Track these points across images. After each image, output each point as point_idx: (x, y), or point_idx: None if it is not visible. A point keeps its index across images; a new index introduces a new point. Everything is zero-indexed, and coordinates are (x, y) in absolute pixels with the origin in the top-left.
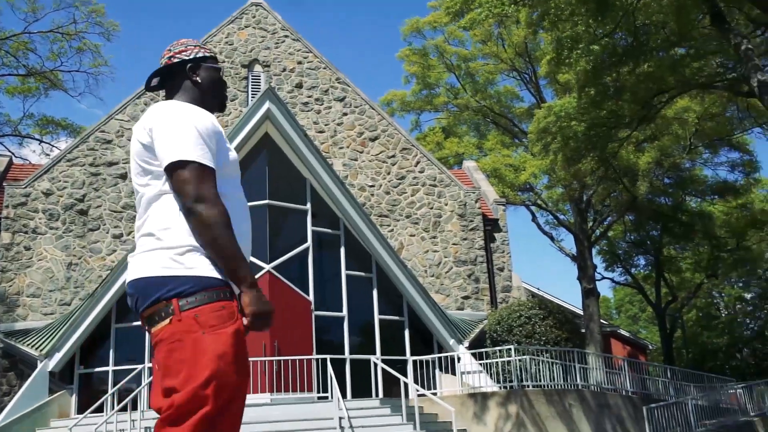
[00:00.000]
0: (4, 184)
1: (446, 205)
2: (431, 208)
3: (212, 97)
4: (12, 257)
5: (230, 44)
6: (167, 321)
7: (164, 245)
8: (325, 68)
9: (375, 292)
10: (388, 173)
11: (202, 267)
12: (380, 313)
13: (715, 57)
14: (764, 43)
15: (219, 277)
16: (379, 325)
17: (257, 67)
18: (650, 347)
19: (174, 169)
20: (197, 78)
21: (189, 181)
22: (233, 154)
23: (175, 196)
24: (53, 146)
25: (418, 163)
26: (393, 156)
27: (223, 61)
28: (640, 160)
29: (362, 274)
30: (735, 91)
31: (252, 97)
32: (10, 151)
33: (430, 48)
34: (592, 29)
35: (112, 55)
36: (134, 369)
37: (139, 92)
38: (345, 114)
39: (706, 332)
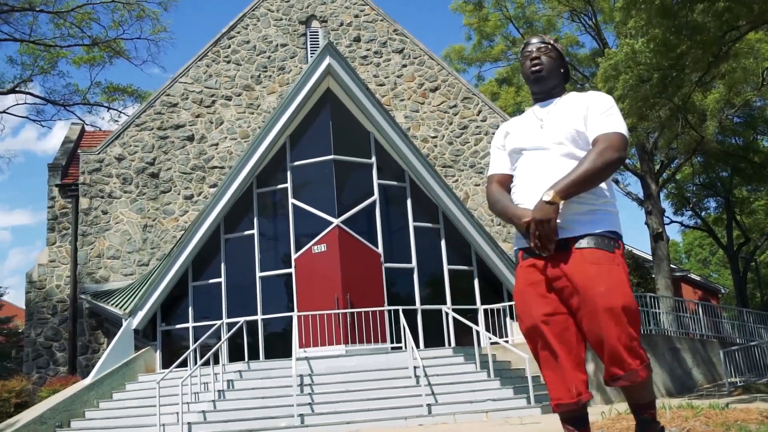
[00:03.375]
0: (78, 151)
1: None
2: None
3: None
4: (91, 222)
5: (286, 1)
6: None
7: None
8: (382, 20)
9: (443, 243)
10: (450, 123)
11: None
12: (449, 263)
13: None
14: None
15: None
16: (449, 275)
17: (314, 23)
18: (722, 291)
19: None
20: None
21: None
22: (509, 141)
23: None
24: (121, 112)
25: (480, 111)
26: (454, 106)
27: (280, 19)
28: (708, 98)
29: (429, 225)
30: None
31: (311, 54)
32: (81, 119)
33: None
34: None
35: (171, 20)
36: (213, 325)
37: (200, 54)
38: (404, 66)
39: None
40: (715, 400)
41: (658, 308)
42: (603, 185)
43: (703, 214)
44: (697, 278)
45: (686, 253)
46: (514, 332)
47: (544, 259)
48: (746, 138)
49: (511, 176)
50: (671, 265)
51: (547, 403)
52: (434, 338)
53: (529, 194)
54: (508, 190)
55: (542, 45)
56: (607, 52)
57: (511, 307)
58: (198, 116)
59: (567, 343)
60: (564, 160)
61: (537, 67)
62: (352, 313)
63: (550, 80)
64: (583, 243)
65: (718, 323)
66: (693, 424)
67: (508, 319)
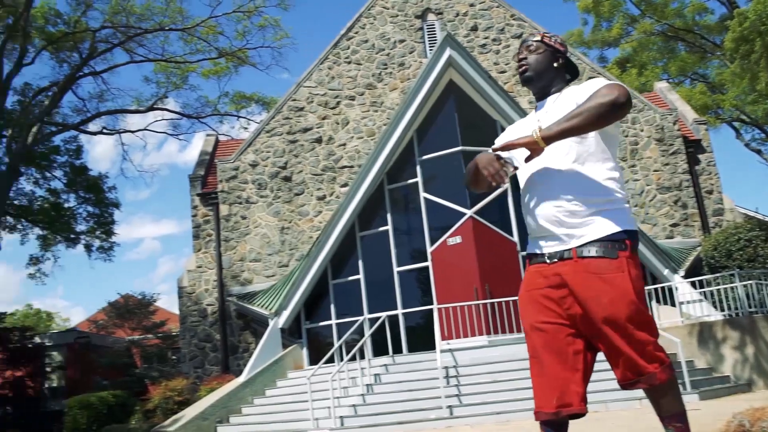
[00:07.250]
0: (215, 161)
1: (642, 131)
2: (627, 136)
3: None
4: (231, 227)
5: None
6: None
7: None
8: (498, 6)
9: None
10: None
11: None
12: None
13: None
14: None
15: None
16: None
17: (430, 16)
18: None
19: None
20: None
21: None
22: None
23: None
24: (249, 120)
25: None
26: None
27: (396, 15)
28: None
29: None
30: None
31: (429, 47)
32: (214, 130)
33: None
34: None
35: (292, 26)
36: (355, 321)
37: (322, 57)
38: None
39: None
40: None
41: None
42: (609, 180)
43: None
44: None
45: None
46: (662, 316)
47: (548, 267)
48: None
49: None
50: None
51: (705, 389)
52: None
53: (534, 200)
54: None
55: (531, 43)
56: (737, 12)
57: (656, 290)
58: (324, 118)
59: (560, 352)
60: (565, 159)
61: (522, 68)
62: (492, 304)
63: (540, 79)
64: (584, 252)
65: None
66: None
67: (653, 303)
